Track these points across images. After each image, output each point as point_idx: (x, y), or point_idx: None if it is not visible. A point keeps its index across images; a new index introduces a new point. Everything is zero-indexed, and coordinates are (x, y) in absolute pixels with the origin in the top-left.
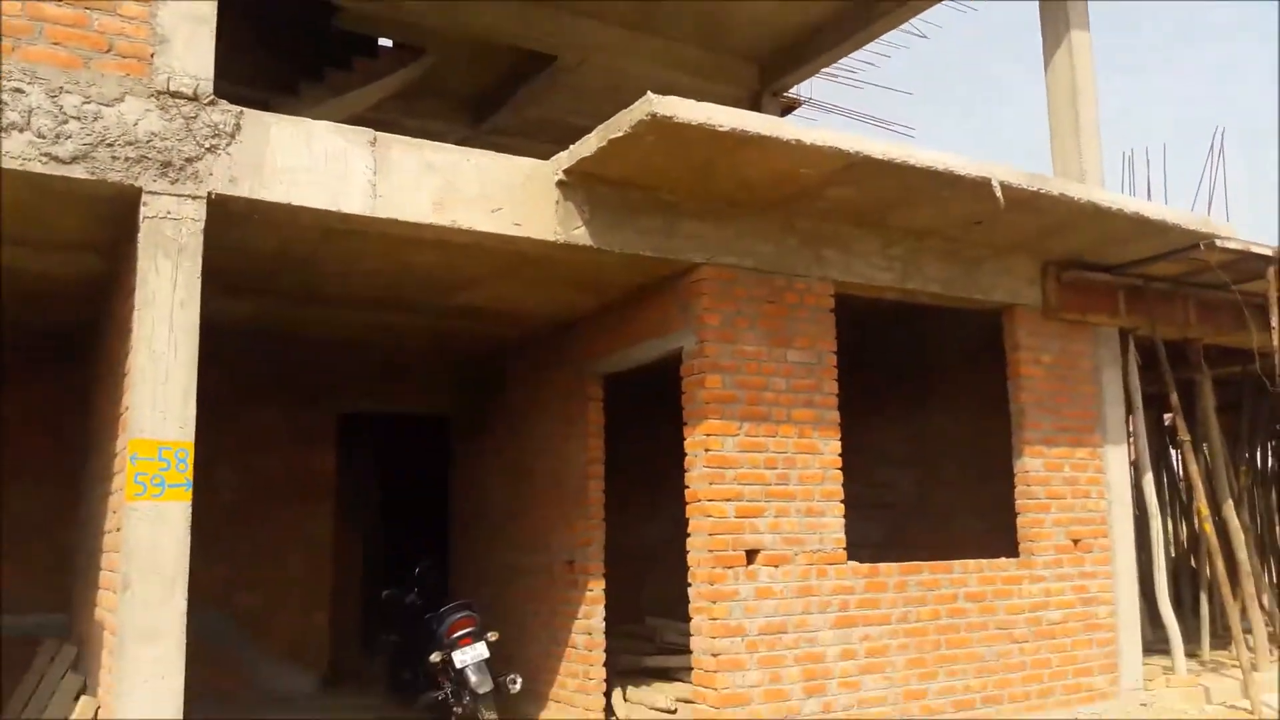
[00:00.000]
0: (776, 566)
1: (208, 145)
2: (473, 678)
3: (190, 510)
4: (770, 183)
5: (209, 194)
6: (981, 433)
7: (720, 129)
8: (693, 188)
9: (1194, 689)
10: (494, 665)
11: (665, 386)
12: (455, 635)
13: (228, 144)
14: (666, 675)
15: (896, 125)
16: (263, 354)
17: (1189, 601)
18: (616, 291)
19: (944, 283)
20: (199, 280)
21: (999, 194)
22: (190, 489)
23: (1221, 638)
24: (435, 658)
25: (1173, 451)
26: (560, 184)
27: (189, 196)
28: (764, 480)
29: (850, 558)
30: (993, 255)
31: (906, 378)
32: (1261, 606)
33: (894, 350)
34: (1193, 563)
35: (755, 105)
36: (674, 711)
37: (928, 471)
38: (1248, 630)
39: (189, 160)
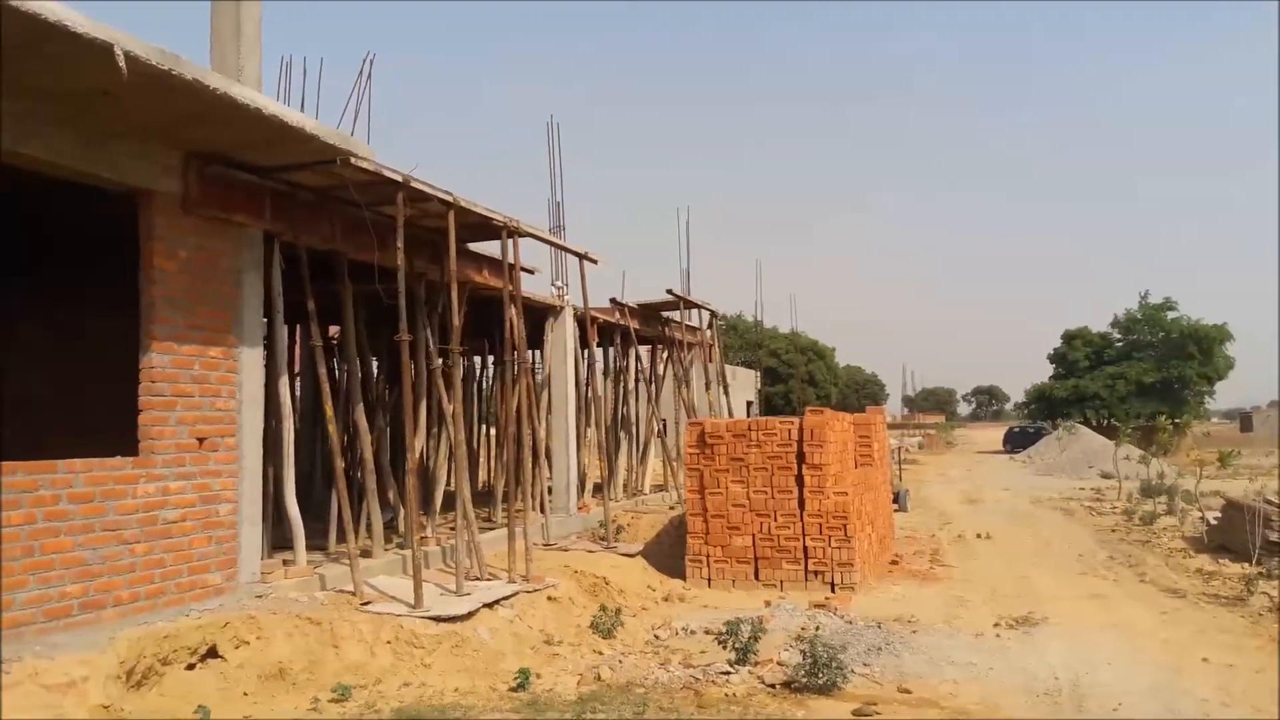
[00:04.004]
0: None
1: None
2: None
3: None
4: None
5: None
6: (133, 327)
7: None
8: None
9: (310, 578)
10: None
11: None
12: None
13: None
14: None
15: None
16: None
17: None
18: None
19: (67, 154)
20: None
21: (122, 64)
22: None
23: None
24: None
25: (334, 359)
26: None
27: None
28: None
29: None
30: (128, 134)
31: (56, 264)
32: (387, 501)
33: (43, 233)
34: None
35: None
36: None
37: (74, 367)
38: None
39: None
